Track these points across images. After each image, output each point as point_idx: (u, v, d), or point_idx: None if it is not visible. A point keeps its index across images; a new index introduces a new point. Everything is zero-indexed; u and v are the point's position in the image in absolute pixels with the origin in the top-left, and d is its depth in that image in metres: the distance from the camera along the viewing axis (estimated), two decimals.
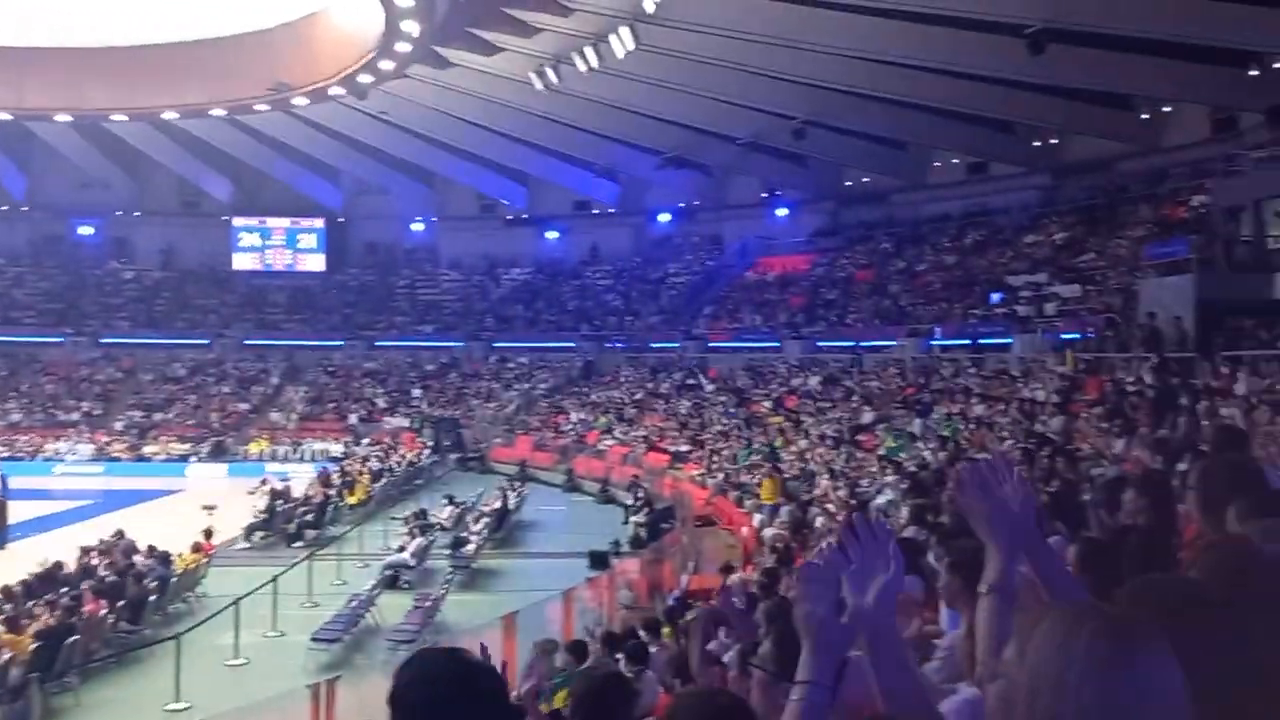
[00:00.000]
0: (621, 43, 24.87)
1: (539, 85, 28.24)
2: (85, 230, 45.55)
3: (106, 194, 44.05)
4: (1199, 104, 25.91)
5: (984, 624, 2.22)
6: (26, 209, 44.17)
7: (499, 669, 4.31)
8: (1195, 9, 19.59)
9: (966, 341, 25.98)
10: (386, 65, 29.11)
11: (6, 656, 10.26)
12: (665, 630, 9.58)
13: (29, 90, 33.67)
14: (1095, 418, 13.62)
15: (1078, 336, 21.08)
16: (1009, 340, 24.33)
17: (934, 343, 27.21)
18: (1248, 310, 16.32)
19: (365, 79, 30.26)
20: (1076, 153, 30.92)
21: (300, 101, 32.86)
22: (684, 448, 27.52)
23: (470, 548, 18.12)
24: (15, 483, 22.58)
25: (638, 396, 33.90)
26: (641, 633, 9.39)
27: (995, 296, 27.65)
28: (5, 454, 32.95)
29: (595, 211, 44.02)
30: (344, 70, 30.11)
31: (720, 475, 22.76)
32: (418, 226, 46.37)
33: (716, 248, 42.22)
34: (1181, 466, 5.43)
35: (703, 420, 29.38)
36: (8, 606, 12.08)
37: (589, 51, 26.01)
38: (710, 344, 35.47)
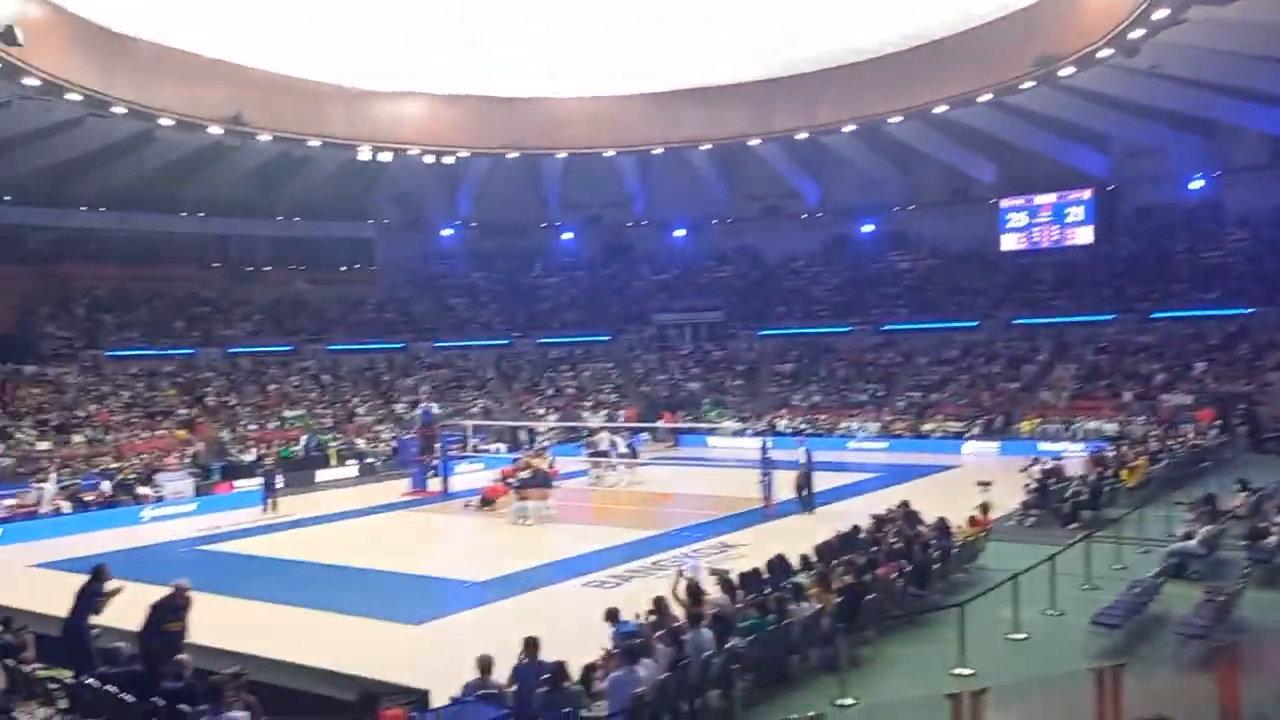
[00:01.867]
0: None
1: None
2: (867, 228, 50.16)
3: (884, 192, 48.01)
4: None
5: None
6: (820, 215, 50.21)
7: None
8: None
9: None
10: (1160, 14, 26.98)
11: (818, 607, 11.88)
12: None
13: (820, 109, 38.31)
14: None
15: None
16: None
17: None
18: None
19: (1136, 34, 28.41)
20: None
21: (1066, 72, 32.09)
22: None
23: (1272, 540, 16.01)
24: (815, 455, 25.82)
25: None
26: None
27: None
28: (809, 430, 37.98)
29: None
30: (1113, 29, 28.65)
31: None
32: (1196, 184, 42.15)
33: None
34: None
35: None
36: (818, 564, 13.98)
37: None
38: None
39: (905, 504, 17.45)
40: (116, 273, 42.58)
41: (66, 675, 10.21)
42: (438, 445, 30.18)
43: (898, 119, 38.10)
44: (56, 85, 28.53)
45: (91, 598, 11.78)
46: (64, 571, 19.18)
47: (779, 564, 13.68)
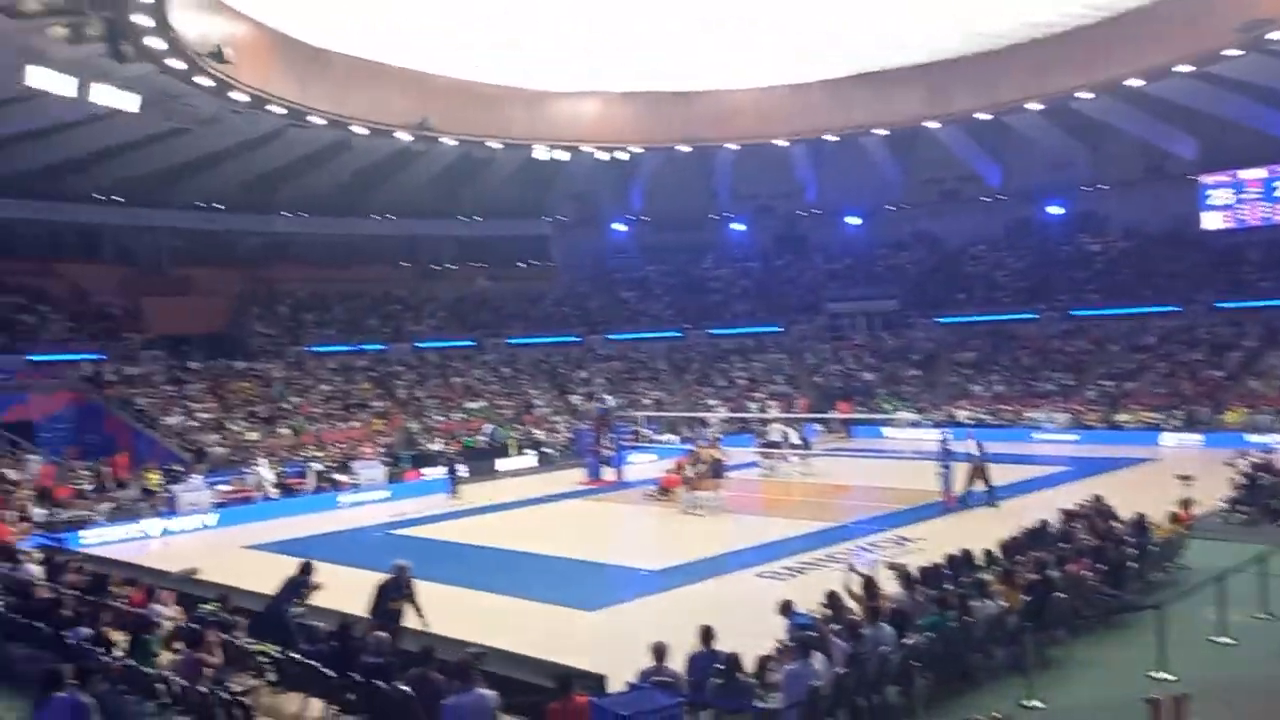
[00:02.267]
0: None
1: None
2: (1053, 210, 47.85)
3: (1071, 171, 45.70)
4: None
5: None
6: (1002, 197, 48.27)
7: None
8: None
9: None
10: None
11: (1003, 605, 11.46)
12: None
13: (1002, 87, 36.80)
14: None
15: None
16: None
17: None
18: None
19: None
20: None
21: (1276, 35, 29.72)
22: None
23: None
24: (999, 448, 24.89)
25: None
26: None
27: None
28: (991, 422, 36.68)
29: None
30: None
31: None
32: None
33: None
34: None
35: None
36: (1003, 560, 13.50)
37: None
38: None
39: (1098, 498, 16.65)
40: (315, 274, 45.38)
41: (274, 650, 11.00)
42: (612, 435, 30.76)
43: (1087, 95, 36.16)
44: (261, 99, 30.57)
45: (297, 587, 12.72)
46: (272, 553, 20.63)
47: (961, 559, 13.29)
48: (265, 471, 27.80)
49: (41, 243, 38.90)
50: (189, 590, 14.50)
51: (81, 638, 11.41)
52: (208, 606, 12.57)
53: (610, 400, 33.88)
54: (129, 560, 19.44)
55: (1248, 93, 35.96)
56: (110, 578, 14.87)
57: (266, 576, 13.64)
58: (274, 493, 27.49)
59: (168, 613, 12.82)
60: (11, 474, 25.71)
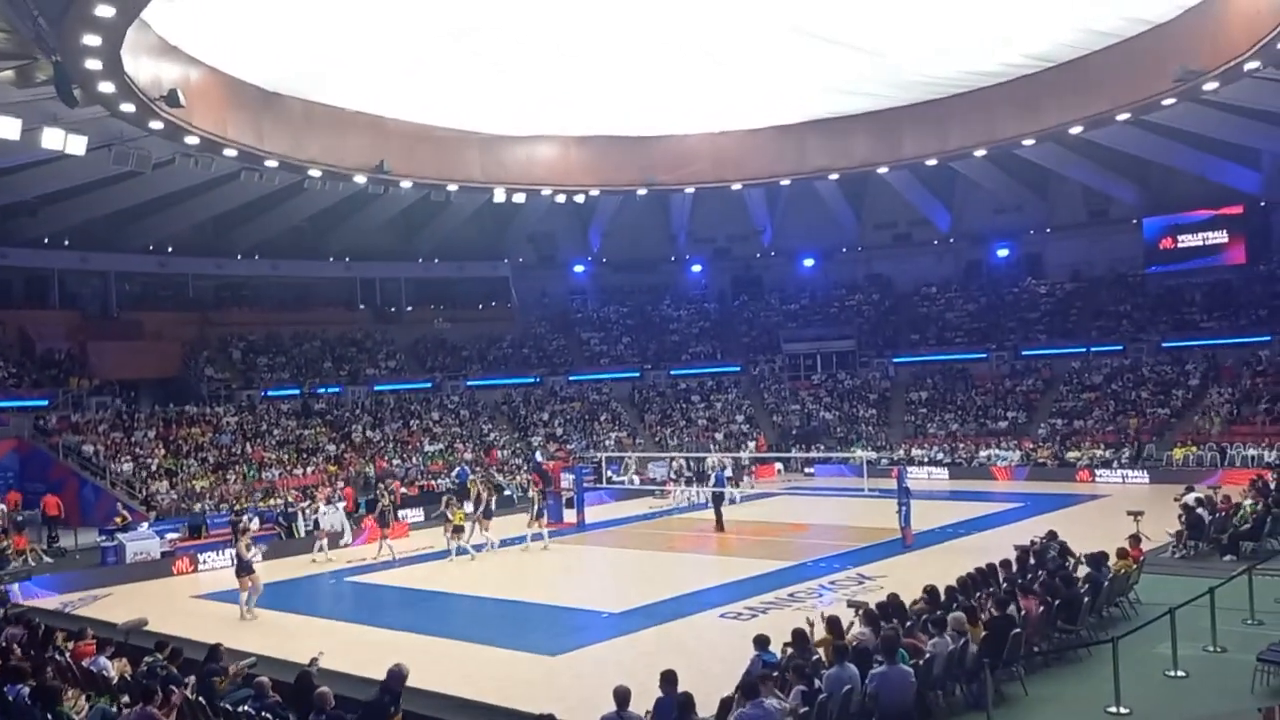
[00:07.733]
0: None
1: None
2: (1002, 253, 48.91)
3: (1018, 216, 46.81)
4: None
5: None
6: (952, 240, 49.26)
7: None
8: None
9: None
10: None
11: (961, 642, 11.52)
12: None
13: (951, 134, 37.49)
14: None
15: None
16: None
17: None
18: None
19: None
20: None
21: (1210, 86, 30.69)
22: None
23: None
24: (958, 485, 25.18)
25: None
26: None
27: None
28: (944, 459, 37.14)
29: None
30: (1259, 41, 27.28)
31: None
32: None
33: None
34: None
35: None
36: (961, 597, 13.62)
37: None
38: None
39: (1052, 534, 16.88)
40: (269, 317, 44.96)
41: (228, 705, 10.74)
42: (568, 477, 30.86)
43: (1030, 141, 37.09)
44: (214, 143, 30.40)
45: (210, 677, 11.49)
46: (223, 602, 20.24)
47: (926, 597, 13.38)
48: (333, 516, 27.82)
49: None
50: (137, 642, 14.14)
51: (22, 695, 11.06)
52: (151, 660, 12.24)
53: (539, 455, 34.70)
54: (77, 613, 18.99)
55: (1185, 140, 37.08)
56: (55, 631, 14.48)
57: (214, 626, 13.40)
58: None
59: (114, 666, 12.50)
60: None
